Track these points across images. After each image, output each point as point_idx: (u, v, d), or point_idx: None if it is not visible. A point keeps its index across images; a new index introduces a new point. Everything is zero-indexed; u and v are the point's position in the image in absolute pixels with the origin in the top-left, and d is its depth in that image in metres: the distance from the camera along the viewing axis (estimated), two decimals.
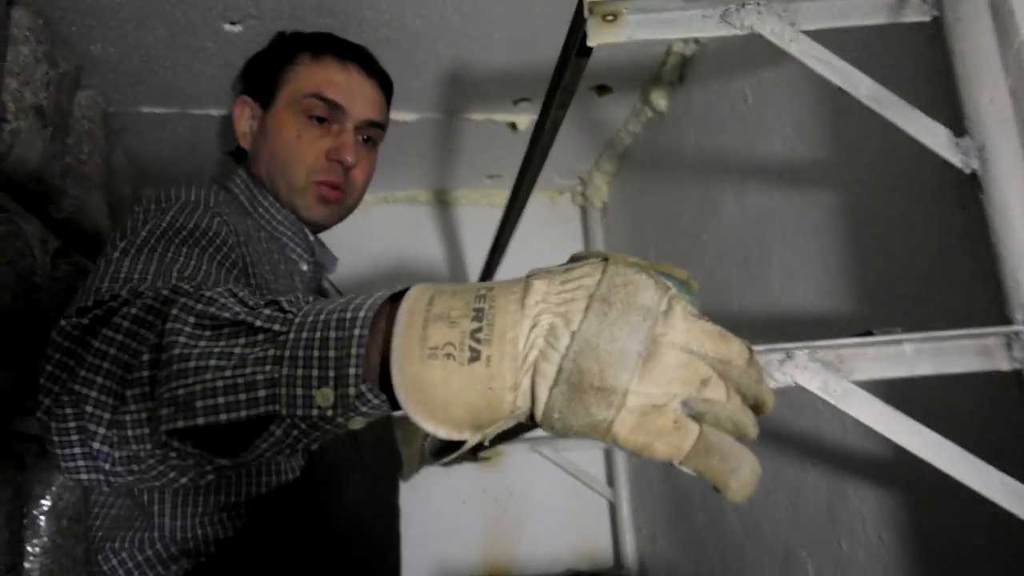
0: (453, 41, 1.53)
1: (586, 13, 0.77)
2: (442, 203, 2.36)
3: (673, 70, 1.61)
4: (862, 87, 0.77)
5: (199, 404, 0.53)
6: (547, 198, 2.40)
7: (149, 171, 1.94)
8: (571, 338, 0.45)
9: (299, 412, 0.51)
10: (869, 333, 0.72)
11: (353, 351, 0.50)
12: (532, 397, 0.47)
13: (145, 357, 0.58)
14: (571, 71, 0.88)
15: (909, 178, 0.93)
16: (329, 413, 0.51)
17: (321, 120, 1.15)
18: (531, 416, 0.48)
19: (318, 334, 0.51)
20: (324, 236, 1.27)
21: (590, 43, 0.78)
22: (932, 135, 0.76)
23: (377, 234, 2.28)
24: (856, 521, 1.06)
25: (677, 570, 1.75)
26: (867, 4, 0.80)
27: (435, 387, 0.47)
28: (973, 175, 0.75)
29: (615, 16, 0.79)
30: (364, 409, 0.51)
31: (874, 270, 1.01)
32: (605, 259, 0.49)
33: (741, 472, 0.47)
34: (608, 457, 2.16)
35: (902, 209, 0.95)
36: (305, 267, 1.18)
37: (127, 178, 1.78)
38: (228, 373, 0.53)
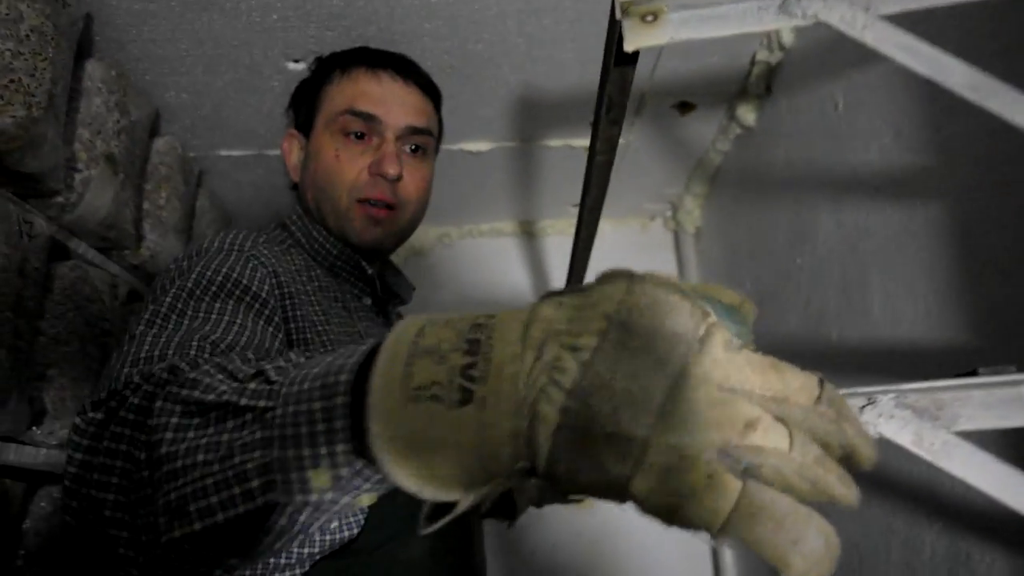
0: (519, 65, 1.46)
1: (619, 14, 0.68)
2: (528, 234, 2.29)
3: (759, 81, 1.49)
4: (955, 74, 0.64)
5: (192, 508, 0.47)
6: (638, 224, 2.29)
7: (234, 213, 1.97)
8: (580, 373, 0.36)
9: (298, 498, 0.45)
10: (974, 372, 0.59)
11: (339, 423, 0.43)
12: (534, 447, 0.37)
13: (142, 456, 0.52)
14: (613, 83, 0.78)
15: None
16: (329, 496, 0.44)
17: (360, 136, 1.07)
18: (534, 470, 0.37)
19: (304, 406, 0.44)
20: (412, 268, 1.20)
21: (628, 47, 0.70)
22: None
23: (462, 268, 2.24)
24: None
25: None
26: None
27: (416, 437, 0.38)
28: None
29: (655, 16, 0.70)
30: (367, 487, 0.45)
31: (990, 297, 0.86)
32: (632, 276, 0.39)
33: (805, 545, 0.35)
34: None
35: (1021, 223, 0.80)
36: (368, 301, 1.12)
37: (212, 221, 1.81)
38: (216, 468, 0.47)
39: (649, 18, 0.70)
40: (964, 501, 0.94)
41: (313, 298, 0.99)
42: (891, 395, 0.58)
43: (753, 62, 1.47)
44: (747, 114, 1.58)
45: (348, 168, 1.06)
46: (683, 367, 0.36)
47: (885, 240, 1.08)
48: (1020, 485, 0.56)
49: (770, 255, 1.56)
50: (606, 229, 2.28)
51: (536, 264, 2.28)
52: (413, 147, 1.10)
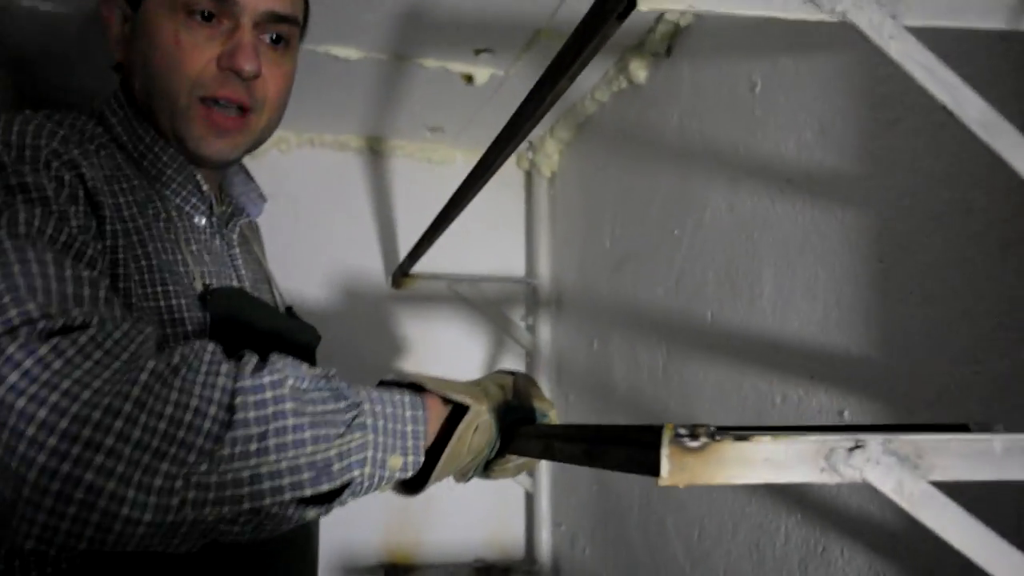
0: None
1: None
2: (374, 152, 2.12)
3: (662, 40, 1.43)
4: (972, 109, 0.62)
5: (306, 476, 0.63)
6: None
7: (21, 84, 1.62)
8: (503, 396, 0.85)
9: (375, 474, 0.68)
10: (965, 428, 0.58)
11: (422, 428, 0.72)
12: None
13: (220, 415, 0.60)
14: (602, 38, 0.68)
15: (969, 215, 0.79)
16: (393, 475, 0.71)
17: (208, 17, 0.85)
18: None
19: (389, 409, 0.71)
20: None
21: (642, 7, 0.60)
22: None
23: (299, 179, 2.03)
24: None
25: (599, 574, 1.64)
26: (983, 3, 0.64)
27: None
28: None
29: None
30: (410, 473, 0.72)
31: (905, 317, 0.88)
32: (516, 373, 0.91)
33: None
34: (528, 303, 2.01)
35: (953, 251, 0.82)
36: (201, 221, 0.92)
37: None
38: (323, 446, 0.65)
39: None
40: (830, 498, 0.98)
41: (125, 213, 0.80)
42: (879, 440, 0.56)
43: (659, 19, 1.41)
44: (639, 71, 1.53)
45: (191, 57, 0.85)
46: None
47: (787, 236, 1.08)
48: (986, 542, 0.56)
49: (640, 219, 1.54)
50: (458, 158, 2.17)
51: (379, 185, 2.12)
52: (274, 37, 0.90)
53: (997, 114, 0.62)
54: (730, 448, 0.54)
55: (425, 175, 2.15)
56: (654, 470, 0.53)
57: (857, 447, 0.56)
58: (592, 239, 1.77)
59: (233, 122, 0.87)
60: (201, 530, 0.59)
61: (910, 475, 0.57)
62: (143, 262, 0.79)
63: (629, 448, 0.58)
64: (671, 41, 1.43)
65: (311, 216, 2.02)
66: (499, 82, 1.70)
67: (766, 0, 0.62)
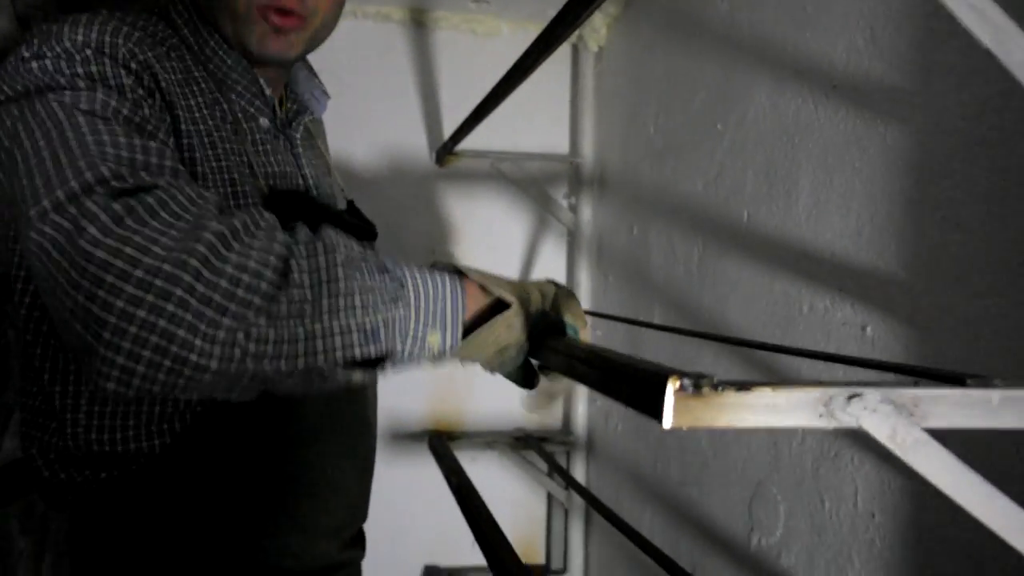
0: None
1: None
2: (417, 23, 2.07)
3: None
4: (1017, 52, 0.59)
5: (356, 337, 0.66)
6: (536, 31, 2.12)
7: None
8: (541, 302, 0.85)
9: (414, 348, 0.71)
10: (962, 382, 0.60)
11: (461, 310, 0.73)
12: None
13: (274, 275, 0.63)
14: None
15: (1011, 145, 0.77)
16: (432, 351, 0.72)
17: None
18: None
19: (431, 289, 0.72)
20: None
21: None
22: None
23: (340, 52, 2.00)
24: (846, 487, 0.99)
25: (628, 454, 1.73)
26: None
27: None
28: None
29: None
30: (447, 352, 0.73)
31: (936, 243, 0.87)
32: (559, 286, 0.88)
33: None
34: (572, 182, 2.07)
35: (990, 182, 0.80)
36: (266, 122, 0.96)
37: None
38: (371, 310, 0.67)
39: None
40: None
41: (197, 115, 0.85)
42: (877, 392, 0.58)
43: None
44: None
45: None
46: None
47: (828, 143, 1.06)
48: (975, 488, 0.59)
49: (683, 108, 1.51)
50: (504, 30, 2.11)
51: (423, 58, 2.09)
52: None
53: None
54: (733, 396, 0.57)
55: (470, 47, 2.10)
56: (658, 417, 0.57)
57: (855, 396, 0.59)
58: (637, 123, 1.74)
59: (291, 21, 0.90)
60: (260, 380, 0.64)
61: (906, 423, 0.60)
62: (212, 163, 0.84)
63: (637, 389, 0.61)
64: None
65: (353, 90, 2.01)
66: None
67: None
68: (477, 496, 1.52)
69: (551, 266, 2.14)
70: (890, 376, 0.67)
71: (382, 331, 0.67)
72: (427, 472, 1.84)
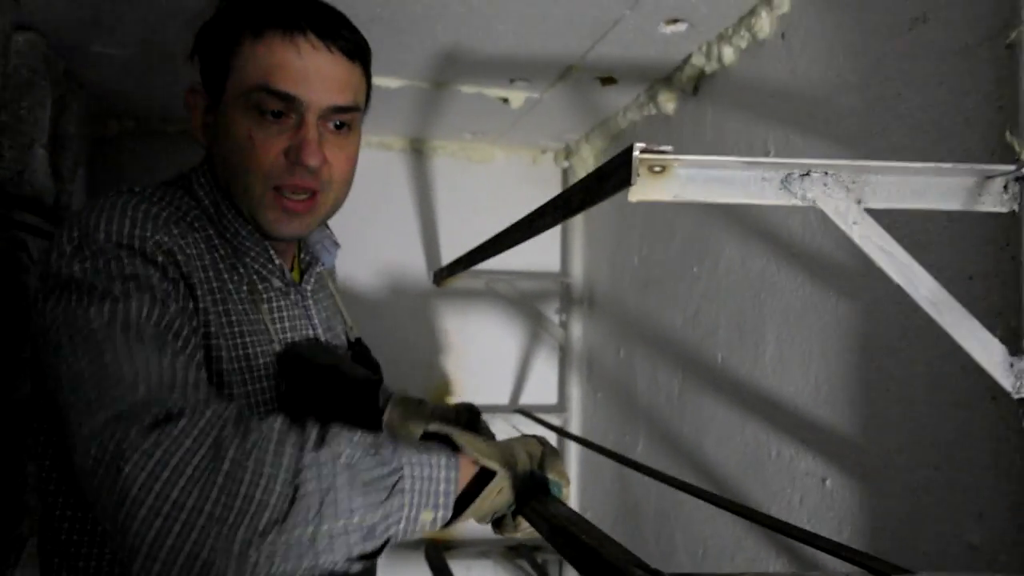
0: (453, 28, 1.37)
1: (635, 162, 0.66)
2: (417, 151, 2.21)
3: (688, 81, 1.48)
4: (922, 287, 0.69)
5: (355, 539, 0.77)
6: (530, 157, 2.27)
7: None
8: (528, 463, 0.94)
9: (408, 528, 0.80)
10: None
11: (453, 487, 0.83)
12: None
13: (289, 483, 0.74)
14: (603, 195, 0.76)
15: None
16: (425, 526, 0.81)
17: (276, 115, 0.95)
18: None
19: (426, 471, 0.82)
20: None
21: (632, 198, 0.68)
22: (986, 351, 0.69)
23: None
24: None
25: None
26: (944, 185, 0.71)
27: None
28: (1022, 402, 0.70)
29: (663, 168, 0.69)
30: (439, 526, 0.84)
31: (881, 410, 0.97)
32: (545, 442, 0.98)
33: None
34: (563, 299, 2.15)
35: (927, 375, 0.90)
36: (278, 282, 1.06)
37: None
38: (374, 512, 0.78)
39: (657, 169, 0.69)
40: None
41: (215, 285, 0.95)
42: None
43: (687, 62, 1.46)
44: (668, 103, 1.58)
45: (263, 151, 0.95)
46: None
47: (789, 304, 1.16)
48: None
49: (664, 246, 1.62)
50: (498, 156, 2.25)
51: (422, 183, 2.22)
52: (337, 124, 0.98)
53: (945, 292, 0.69)
54: None
55: (466, 172, 2.24)
56: None
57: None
58: (622, 251, 1.86)
59: (303, 205, 0.98)
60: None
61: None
62: (227, 329, 0.94)
63: None
64: (697, 83, 1.48)
65: (357, 214, 2.11)
66: (534, 103, 1.77)
67: (744, 188, 0.70)
68: None
69: (544, 381, 2.23)
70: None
71: (379, 526, 0.77)
72: None
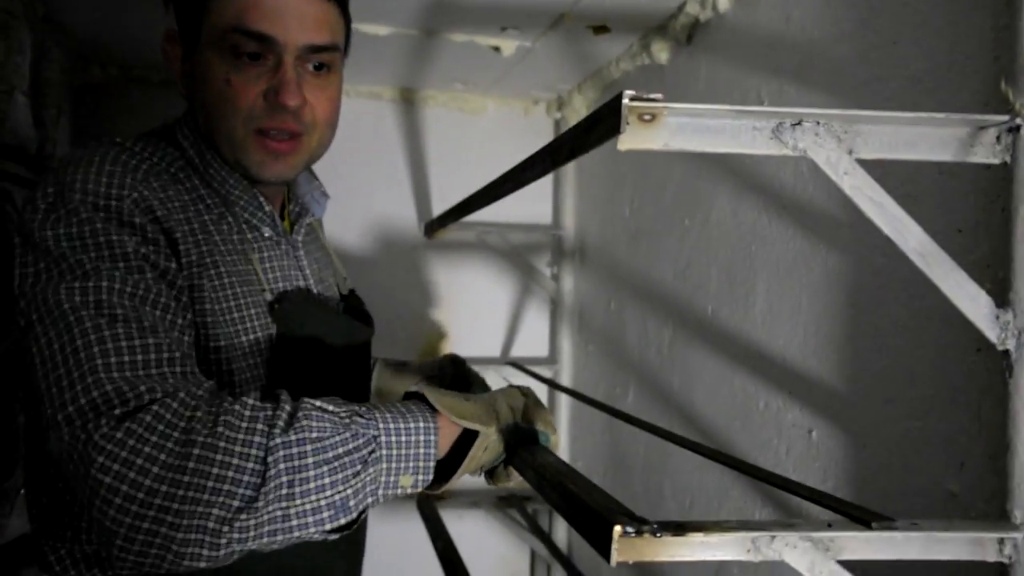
0: None
1: (625, 110, 0.65)
2: (407, 101, 2.18)
3: (682, 30, 1.46)
4: (911, 239, 0.69)
5: (329, 508, 0.78)
6: (521, 108, 2.24)
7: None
8: (511, 415, 0.96)
9: (387, 493, 0.83)
10: (868, 525, 0.69)
11: (433, 451, 0.84)
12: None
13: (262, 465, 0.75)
14: (591, 144, 0.75)
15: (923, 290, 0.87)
16: (405, 491, 0.84)
17: (254, 56, 0.92)
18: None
19: (403, 437, 0.83)
20: None
21: (621, 147, 0.67)
22: (974, 303, 0.69)
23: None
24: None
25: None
26: (936, 136, 0.70)
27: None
28: (1006, 353, 0.70)
29: (653, 116, 0.67)
30: (420, 489, 0.85)
31: (868, 362, 0.97)
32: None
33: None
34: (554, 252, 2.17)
35: (914, 328, 0.90)
36: (268, 231, 1.05)
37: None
38: (351, 482, 0.79)
39: (647, 118, 0.68)
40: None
41: (200, 237, 0.94)
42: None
43: (681, 9, 1.43)
44: (661, 52, 1.56)
45: (242, 94, 0.93)
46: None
47: (780, 256, 1.16)
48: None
49: (656, 198, 1.61)
50: (490, 107, 2.22)
51: (412, 134, 2.20)
52: (316, 65, 0.96)
53: (934, 244, 0.69)
54: (669, 538, 0.66)
55: (457, 123, 2.21)
56: (605, 555, 0.66)
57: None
58: (614, 203, 1.84)
59: (287, 145, 0.96)
60: (248, 553, 0.78)
61: (822, 557, 0.69)
62: (216, 280, 0.93)
63: (589, 526, 0.70)
64: (691, 32, 1.45)
65: (347, 165, 2.10)
66: (525, 52, 1.74)
67: (735, 137, 0.69)
68: (460, 562, 1.61)
69: (535, 334, 2.23)
70: (814, 509, 0.77)
71: (352, 500, 0.78)
72: (418, 530, 1.91)
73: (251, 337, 0.95)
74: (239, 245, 0.98)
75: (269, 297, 0.98)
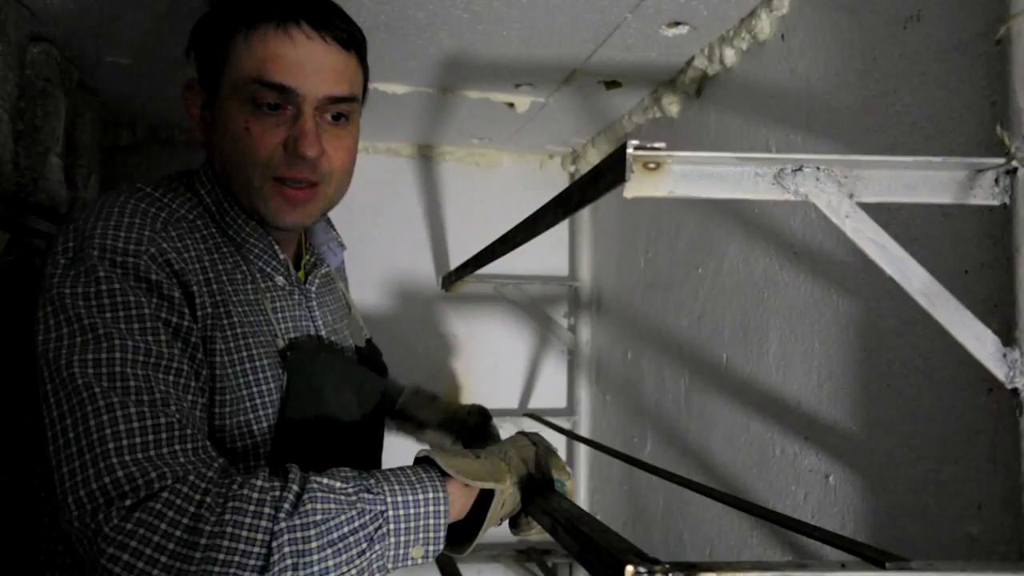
0: (457, 33, 1.39)
1: (629, 159, 0.67)
2: (425, 157, 2.23)
3: (691, 83, 1.50)
4: (915, 280, 0.70)
5: None
6: (537, 161, 2.29)
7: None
8: (523, 466, 0.98)
9: (397, 565, 0.83)
10: (881, 566, 0.68)
11: (443, 520, 0.85)
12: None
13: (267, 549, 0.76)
14: (599, 192, 0.78)
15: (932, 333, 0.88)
16: (416, 562, 0.84)
17: (273, 107, 0.94)
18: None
19: (412, 510, 0.83)
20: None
21: (627, 194, 0.70)
22: (980, 342, 0.70)
23: (352, 186, 2.15)
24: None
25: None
26: (935, 179, 0.72)
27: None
28: (1015, 392, 0.71)
29: (657, 164, 0.70)
30: (431, 559, 0.86)
31: (882, 406, 0.97)
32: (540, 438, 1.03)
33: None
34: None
35: (926, 369, 0.90)
36: (281, 280, 1.07)
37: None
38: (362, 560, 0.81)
39: (652, 166, 0.70)
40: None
41: (215, 287, 0.95)
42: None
43: (690, 64, 1.47)
44: (672, 105, 1.59)
45: (261, 144, 0.95)
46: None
47: (791, 302, 1.17)
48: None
49: (669, 247, 1.63)
50: (505, 161, 2.27)
51: (430, 188, 2.24)
52: (335, 115, 0.98)
53: (938, 284, 0.70)
54: None
55: (474, 177, 2.26)
56: None
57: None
58: (628, 254, 1.87)
59: (304, 193, 0.98)
60: None
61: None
62: (229, 331, 0.94)
63: (602, 568, 0.70)
64: (700, 86, 1.49)
65: (366, 220, 2.16)
66: (539, 107, 1.79)
67: (738, 183, 0.71)
68: None
69: (553, 384, 2.24)
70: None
71: None
72: None
73: (263, 388, 0.95)
74: (253, 295, 0.99)
75: (281, 344, 0.99)
